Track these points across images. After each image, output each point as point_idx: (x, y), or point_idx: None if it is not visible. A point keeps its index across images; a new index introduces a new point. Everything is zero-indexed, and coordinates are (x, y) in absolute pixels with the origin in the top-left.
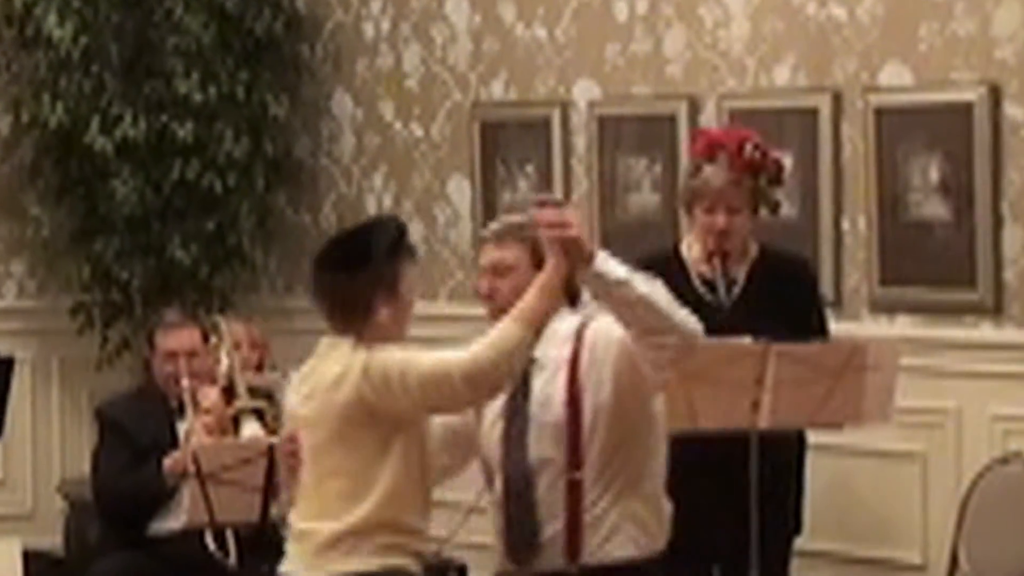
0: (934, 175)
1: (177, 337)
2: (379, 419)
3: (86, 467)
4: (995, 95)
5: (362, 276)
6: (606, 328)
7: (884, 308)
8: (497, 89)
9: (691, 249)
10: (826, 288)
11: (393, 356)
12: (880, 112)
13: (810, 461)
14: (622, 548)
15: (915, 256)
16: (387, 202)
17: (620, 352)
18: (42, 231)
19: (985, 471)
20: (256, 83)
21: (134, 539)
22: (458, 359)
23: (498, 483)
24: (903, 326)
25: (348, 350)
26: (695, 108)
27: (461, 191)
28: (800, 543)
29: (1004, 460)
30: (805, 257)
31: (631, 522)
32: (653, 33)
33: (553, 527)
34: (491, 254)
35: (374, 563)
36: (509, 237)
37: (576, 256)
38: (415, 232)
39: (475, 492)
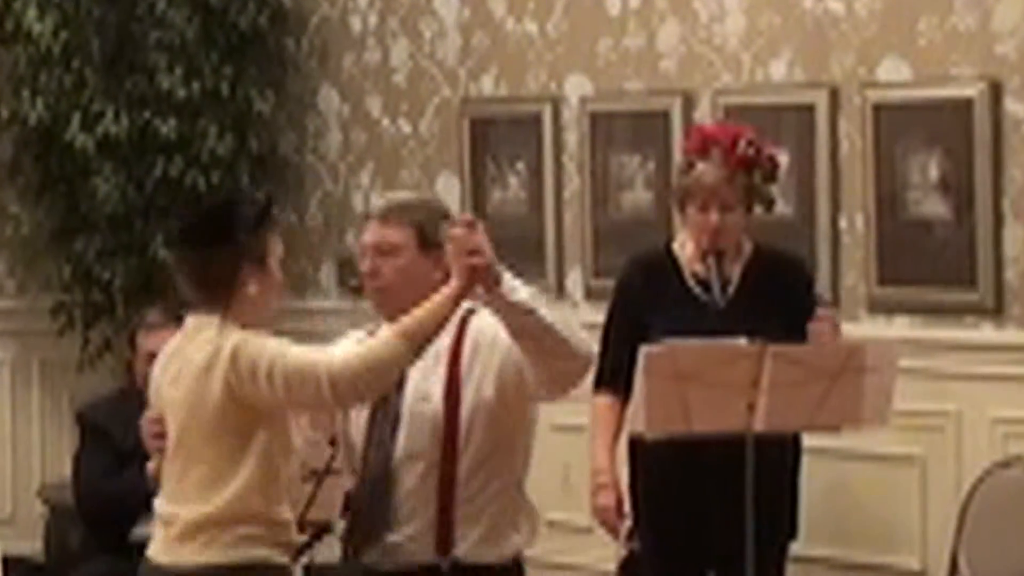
0: (933, 173)
1: (159, 338)
2: (244, 408)
3: (67, 471)
4: (996, 91)
5: (228, 250)
6: (494, 325)
7: (882, 308)
8: (487, 84)
9: (684, 248)
10: (823, 288)
11: (264, 346)
12: (878, 108)
13: (807, 465)
14: (495, 547)
15: (914, 255)
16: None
17: (508, 354)
18: (22, 230)
19: (985, 475)
20: (240, 78)
21: (116, 544)
22: (329, 361)
23: (357, 470)
24: (902, 327)
25: (215, 332)
26: (689, 104)
27: (450, 189)
28: (797, 548)
29: (1005, 464)
30: (801, 256)
31: (504, 522)
32: (646, 27)
33: (420, 520)
34: (376, 233)
35: (235, 554)
36: (395, 217)
37: (482, 278)
38: None
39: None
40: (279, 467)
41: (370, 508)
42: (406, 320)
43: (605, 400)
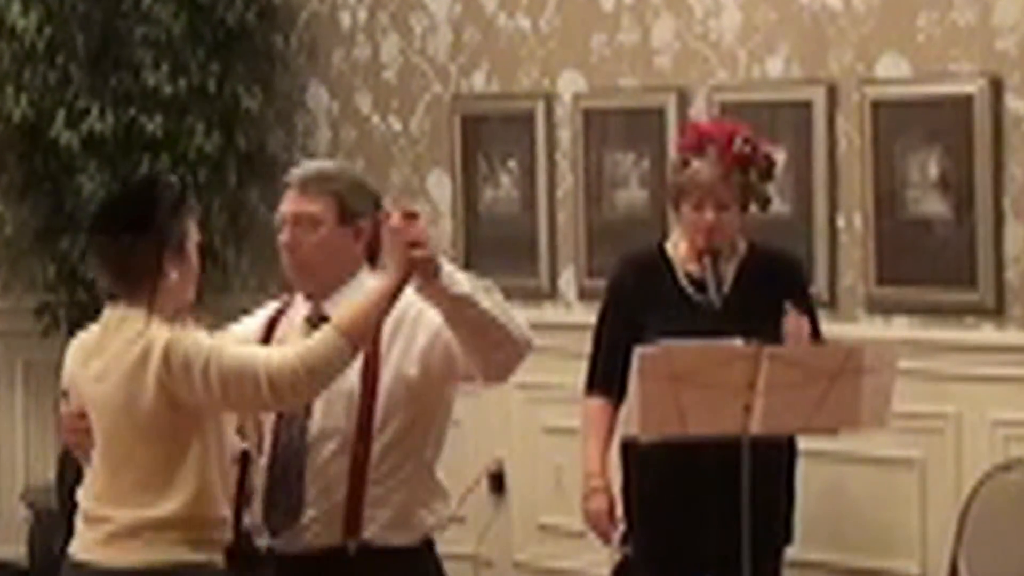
0: (933, 171)
1: None
2: (178, 408)
3: (51, 474)
4: (996, 87)
5: (148, 238)
6: (417, 303)
7: (881, 309)
8: (478, 81)
9: (677, 247)
10: (821, 288)
11: (198, 342)
12: (877, 105)
13: (804, 468)
14: (405, 530)
15: (913, 255)
16: None
17: (436, 334)
18: (5, 229)
19: (986, 478)
20: (228, 75)
21: None
22: (268, 360)
23: (267, 448)
24: (901, 328)
25: (142, 326)
26: (684, 101)
27: (441, 187)
28: (794, 553)
29: (1006, 467)
30: (796, 255)
31: (418, 504)
32: (641, 23)
33: (331, 501)
34: (295, 203)
35: (173, 555)
36: (316, 187)
37: (422, 271)
38: None
39: (454, 502)
40: (217, 468)
41: (283, 488)
42: (345, 315)
43: (597, 402)
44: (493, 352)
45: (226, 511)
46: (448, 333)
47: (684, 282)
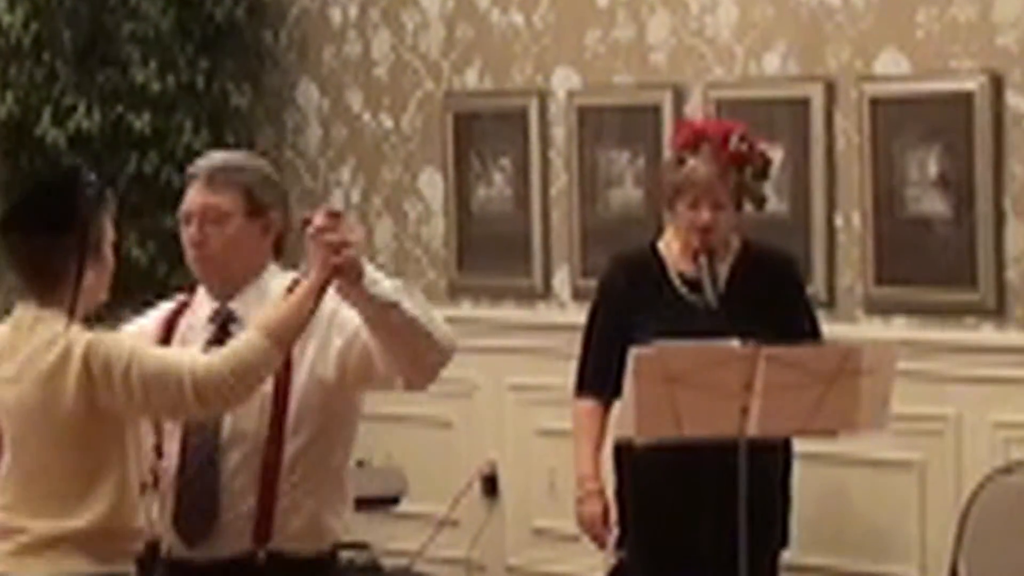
0: (932, 169)
1: None
2: (97, 416)
3: None
4: (996, 84)
5: (70, 237)
6: (334, 303)
7: (880, 309)
8: (471, 78)
9: (669, 247)
10: (819, 288)
11: (120, 345)
12: (875, 102)
13: (802, 471)
14: (315, 538)
15: (912, 254)
16: (355, 197)
17: (354, 336)
18: None
19: (986, 481)
20: (217, 72)
21: None
22: (193, 364)
23: (174, 454)
24: (900, 328)
25: (60, 328)
26: (680, 98)
27: (433, 185)
28: (791, 557)
29: (1006, 469)
30: (790, 253)
31: (328, 512)
32: (636, 19)
33: (241, 507)
34: (203, 196)
35: (88, 567)
36: (223, 179)
37: (345, 275)
38: (385, 229)
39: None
40: (135, 478)
41: (196, 494)
42: (270, 318)
43: (588, 404)
44: (416, 357)
45: (142, 521)
46: (366, 335)
47: (677, 282)
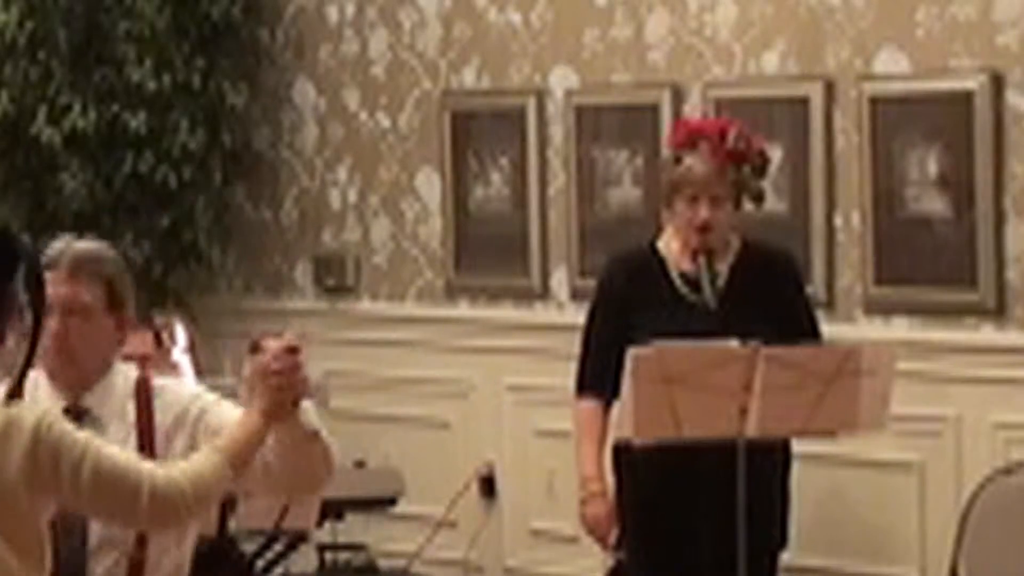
0: (932, 168)
1: (129, 340)
2: (35, 496)
3: None
4: (997, 83)
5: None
6: (197, 397)
7: (879, 309)
8: (469, 77)
9: (669, 246)
10: (818, 288)
11: (73, 433)
12: (875, 101)
13: (801, 472)
14: None
15: (912, 254)
16: (352, 196)
17: (205, 427)
18: None
19: (986, 482)
20: (213, 71)
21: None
22: (153, 473)
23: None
24: (900, 328)
25: None
26: (679, 97)
27: (430, 185)
28: (791, 558)
29: (1007, 470)
30: (790, 252)
31: None
32: (634, 17)
33: None
34: (69, 289)
35: None
36: (88, 271)
37: (287, 404)
38: (382, 228)
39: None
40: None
41: None
42: (232, 443)
43: (589, 405)
44: (312, 478)
45: None
46: (265, 448)
47: (678, 282)
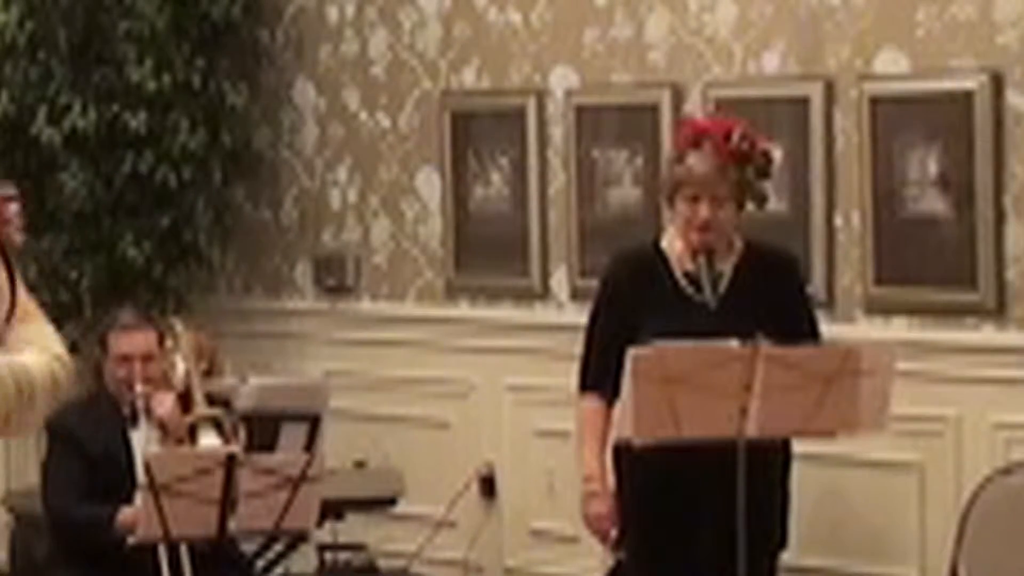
0: (932, 168)
1: (132, 340)
2: None
3: (33, 479)
4: (997, 83)
5: None
6: None
7: (879, 309)
8: (469, 77)
9: (672, 245)
10: (818, 288)
11: None
12: (875, 101)
13: (801, 472)
14: None
15: (912, 254)
16: (352, 196)
17: None
18: None
19: (986, 482)
20: (213, 71)
21: (83, 555)
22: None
23: None
24: (899, 328)
25: None
26: (679, 97)
27: (431, 185)
28: (790, 559)
29: (1006, 470)
30: (793, 253)
31: None
32: (634, 17)
33: None
34: None
35: None
36: None
37: None
38: (382, 228)
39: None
40: None
41: None
42: None
43: (591, 404)
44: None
45: None
46: None
47: (682, 281)
